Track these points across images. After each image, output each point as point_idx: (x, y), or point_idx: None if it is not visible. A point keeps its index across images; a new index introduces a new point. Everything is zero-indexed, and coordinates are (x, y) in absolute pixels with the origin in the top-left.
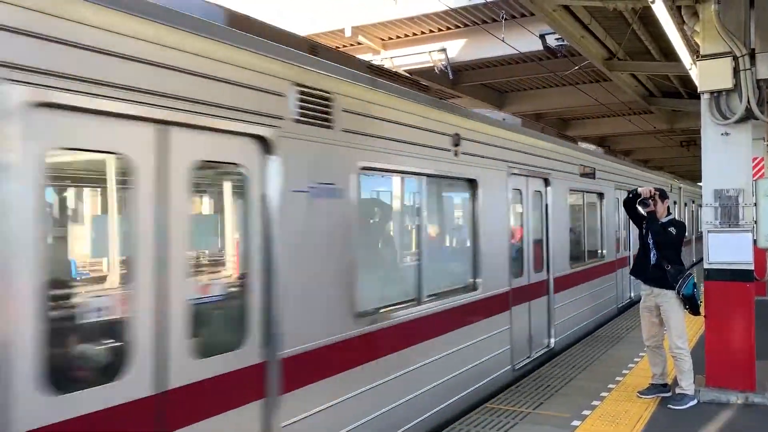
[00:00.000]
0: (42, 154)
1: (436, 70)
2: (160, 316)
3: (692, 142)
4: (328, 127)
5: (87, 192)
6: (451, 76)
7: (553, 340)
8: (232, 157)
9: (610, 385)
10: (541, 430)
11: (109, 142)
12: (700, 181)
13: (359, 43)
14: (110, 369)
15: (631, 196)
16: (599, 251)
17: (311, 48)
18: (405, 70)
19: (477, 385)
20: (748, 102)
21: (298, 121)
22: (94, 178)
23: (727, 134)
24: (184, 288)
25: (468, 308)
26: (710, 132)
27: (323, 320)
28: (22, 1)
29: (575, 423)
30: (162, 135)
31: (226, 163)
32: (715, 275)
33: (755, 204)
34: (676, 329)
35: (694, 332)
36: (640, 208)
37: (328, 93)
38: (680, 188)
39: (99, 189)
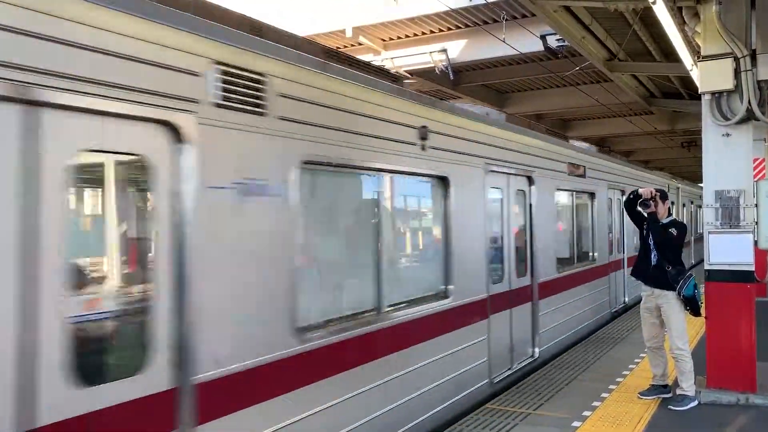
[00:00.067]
0: None
1: (437, 71)
2: (24, 339)
3: (693, 142)
4: (261, 113)
5: None
6: (451, 77)
7: (537, 350)
8: (131, 146)
9: (611, 386)
10: (541, 431)
11: None
12: (701, 182)
13: (360, 44)
14: None
15: (631, 197)
16: (590, 254)
17: (254, 28)
18: (406, 71)
19: (448, 403)
20: (749, 103)
21: (219, 105)
22: None
23: (728, 135)
24: (60, 304)
25: (438, 318)
26: (711, 133)
27: (253, 338)
28: None
29: (576, 424)
30: (30, 118)
31: (124, 154)
32: (716, 276)
33: (756, 205)
34: (676, 330)
35: (695, 333)
36: (640, 209)
37: (261, 75)
38: (678, 188)
39: None
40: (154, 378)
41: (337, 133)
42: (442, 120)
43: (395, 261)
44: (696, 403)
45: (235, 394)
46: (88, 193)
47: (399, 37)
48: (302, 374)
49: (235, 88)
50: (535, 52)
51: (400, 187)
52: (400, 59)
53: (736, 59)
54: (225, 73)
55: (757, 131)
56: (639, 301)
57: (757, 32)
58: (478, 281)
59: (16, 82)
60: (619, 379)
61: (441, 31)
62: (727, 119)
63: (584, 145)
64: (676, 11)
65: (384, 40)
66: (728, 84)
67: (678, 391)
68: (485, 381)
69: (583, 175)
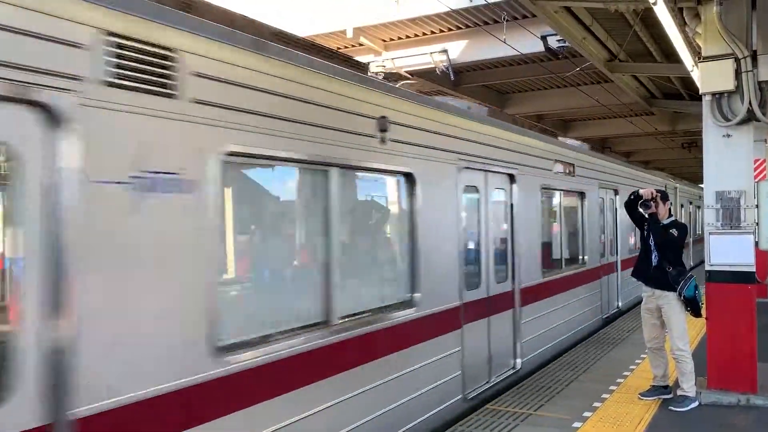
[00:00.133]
0: None
1: (438, 72)
2: None
3: (694, 143)
4: (169, 95)
5: None
6: (452, 78)
7: (519, 361)
8: None
9: (611, 387)
10: None
11: None
12: (702, 183)
13: (361, 44)
14: None
15: (632, 198)
16: (580, 257)
17: (182, 3)
18: (406, 71)
19: (410, 425)
20: (750, 104)
21: (111, 84)
22: None
23: (728, 136)
24: None
25: (401, 330)
26: (712, 134)
27: (157, 361)
28: None
29: (576, 425)
30: None
31: None
32: (717, 277)
33: (757, 206)
34: (677, 331)
35: (696, 334)
36: (641, 210)
37: (169, 50)
38: (676, 188)
39: None
40: (15, 413)
41: (274, 121)
42: (406, 111)
43: (350, 268)
44: (696, 404)
45: (131, 430)
46: None
47: (400, 38)
48: (223, 402)
49: (132, 64)
50: (535, 52)
51: (356, 184)
52: (401, 60)
53: (737, 60)
54: (119, 46)
55: (758, 132)
56: (634, 306)
57: (758, 33)
58: (450, 288)
59: None
60: (619, 380)
61: (442, 31)
62: (727, 120)
63: (575, 142)
64: (677, 12)
65: (385, 41)
66: (729, 85)
67: (679, 392)
68: (457, 398)
69: (572, 174)
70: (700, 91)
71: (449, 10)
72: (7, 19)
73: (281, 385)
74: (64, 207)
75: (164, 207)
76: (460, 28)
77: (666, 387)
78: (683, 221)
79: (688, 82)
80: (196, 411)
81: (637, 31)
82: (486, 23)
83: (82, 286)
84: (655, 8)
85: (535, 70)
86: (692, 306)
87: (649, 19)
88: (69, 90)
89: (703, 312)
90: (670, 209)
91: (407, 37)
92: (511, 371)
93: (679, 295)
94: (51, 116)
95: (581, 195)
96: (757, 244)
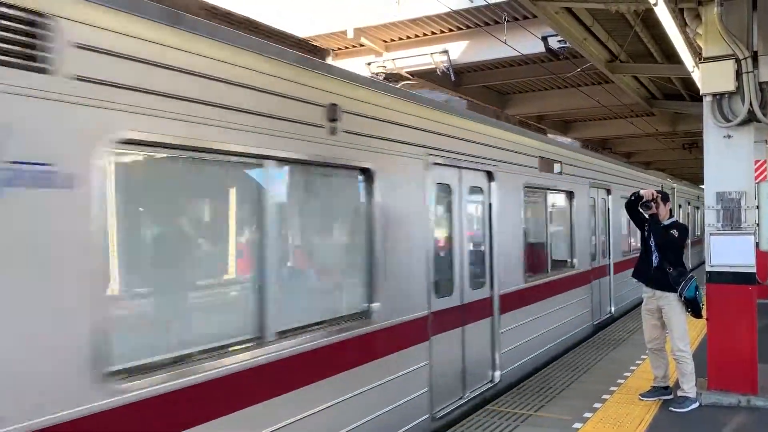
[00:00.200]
0: None
1: (438, 72)
2: None
3: (694, 144)
4: (40, 70)
5: None
6: (453, 78)
7: (498, 373)
8: None
9: (612, 388)
10: None
11: None
12: (702, 184)
13: (361, 45)
14: None
15: (633, 198)
16: (568, 260)
17: None
18: (407, 72)
19: None
20: (751, 104)
21: None
22: None
23: (729, 137)
24: None
25: (353, 344)
26: (712, 134)
27: (28, 390)
28: None
29: (576, 425)
30: None
31: None
32: (717, 278)
33: (757, 207)
34: (678, 332)
35: (696, 335)
36: (642, 211)
37: (39, 15)
38: (673, 188)
39: None
40: None
41: (189, 105)
42: (361, 98)
43: (291, 277)
44: (697, 404)
45: None
46: None
47: (400, 38)
48: None
49: None
50: (536, 53)
51: (299, 180)
52: (402, 60)
53: (738, 61)
54: None
55: (759, 133)
56: (628, 312)
57: (759, 34)
58: (416, 296)
59: None
60: (620, 381)
61: (442, 32)
62: (728, 121)
63: (566, 139)
64: (678, 13)
65: (385, 42)
66: (729, 85)
67: (679, 393)
68: (424, 417)
69: (559, 172)
70: (701, 92)
71: (450, 10)
72: None
73: (194, 415)
74: None
75: (32, 204)
76: (461, 29)
77: (666, 388)
78: (682, 221)
79: (688, 82)
80: None
81: (637, 32)
82: (487, 24)
83: None
84: (656, 9)
85: (536, 70)
86: (693, 307)
87: (649, 20)
88: None
89: (704, 313)
90: (671, 210)
91: (408, 37)
92: (489, 384)
93: (680, 295)
94: None
95: (570, 194)
96: (757, 245)
